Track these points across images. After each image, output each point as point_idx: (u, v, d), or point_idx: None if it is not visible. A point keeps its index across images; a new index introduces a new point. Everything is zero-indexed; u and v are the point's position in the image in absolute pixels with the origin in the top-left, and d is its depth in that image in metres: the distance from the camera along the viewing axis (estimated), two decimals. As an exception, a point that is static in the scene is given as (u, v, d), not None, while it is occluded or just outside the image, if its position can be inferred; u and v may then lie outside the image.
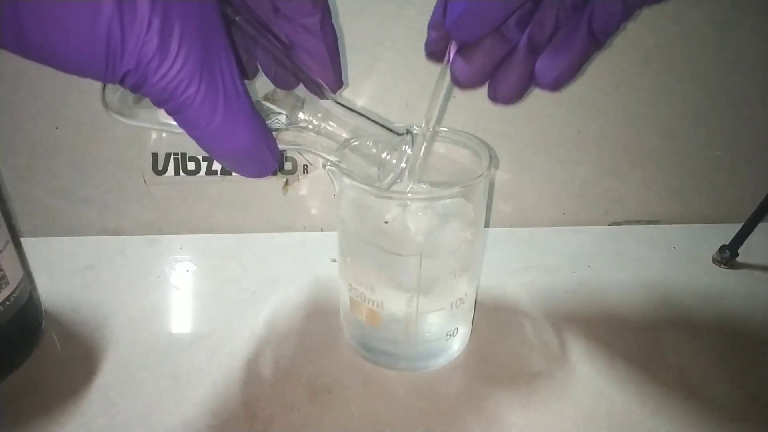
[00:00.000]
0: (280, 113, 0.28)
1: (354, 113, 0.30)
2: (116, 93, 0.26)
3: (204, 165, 0.48)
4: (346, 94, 0.46)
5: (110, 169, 0.48)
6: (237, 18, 0.26)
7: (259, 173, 0.26)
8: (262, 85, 0.29)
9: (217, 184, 0.49)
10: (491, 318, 0.40)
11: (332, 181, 0.33)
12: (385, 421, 0.32)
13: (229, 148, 0.23)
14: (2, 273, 0.33)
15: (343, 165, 0.31)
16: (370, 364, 0.36)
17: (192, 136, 0.23)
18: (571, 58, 0.26)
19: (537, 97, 0.48)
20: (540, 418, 0.33)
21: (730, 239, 0.47)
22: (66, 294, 0.42)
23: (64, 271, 0.44)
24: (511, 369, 0.36)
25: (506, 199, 0.52)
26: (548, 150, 0.50)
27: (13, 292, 0.34)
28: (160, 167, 0.48)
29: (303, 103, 0.29)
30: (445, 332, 0.35)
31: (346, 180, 0.31)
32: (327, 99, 0.29)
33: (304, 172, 0.49)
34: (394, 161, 0.31)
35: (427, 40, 0.29)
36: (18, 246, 0.39)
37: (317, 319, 0.40)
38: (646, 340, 0.39)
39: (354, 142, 0.30)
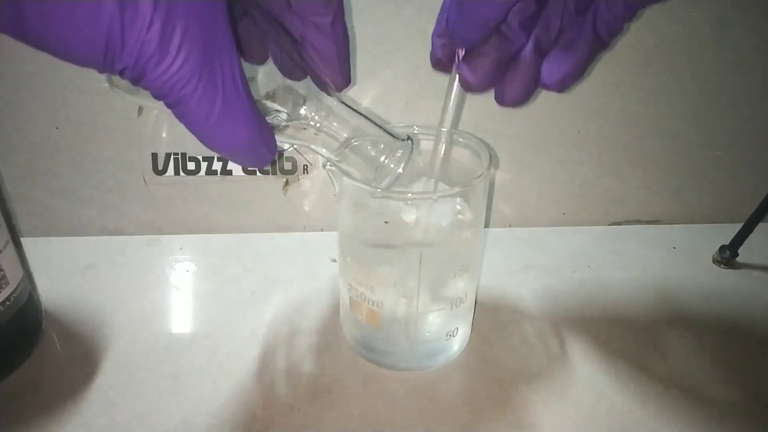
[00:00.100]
0: (280, 111, 0.28)
1: (357, 114, 0.30)
2: None
3: (204, 165, 0.48)
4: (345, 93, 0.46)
5: (110, 169, 0.48)
6: (249, 9, 0.26)
7: (255, 166, 0.26)
8: (265, 77, 0.30)
9: (217, 184, 0.49)
10: (491, 318, 0.40)
11: (332, 181, 0.33)
12: (385, 421, 0.32)
13: (225, 143, 0.24)
14: (2, 273, 0.33)
15: (342, 165, 0.31)
16: (370, 364, 0.36)
17: (189, 129, 0.23)
18: (577, 59, 0.27)
19: (537, 97, 0.48)
20: (540, 418, 0.33)
21: (730, 239, 0.47)
22: (66, 294, 0.42)
23: (64, 271, 0.44)
24: (511, 369, 0.36)
25: (506, 199, 0.52)
26: (548, 150, 0.50)
27: (13, 292, 0.34)
28: (160, 167, 0.48)
29: (305, 100, 0.29)
30: (445, 332, 0.35)
31: (346, 180, 0.31)
32: (331, 96, 0.29)
33: (304, 172, 0.49)
34: (392, 165, 0.31)
35: (432, 50, 0.30)
36: (18, 246, 0.39)
37: (317, 319, 0.40)
38: (646, 340, 0.39)
39: (354, 141, 0.30)
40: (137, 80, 0.21)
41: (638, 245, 0.50)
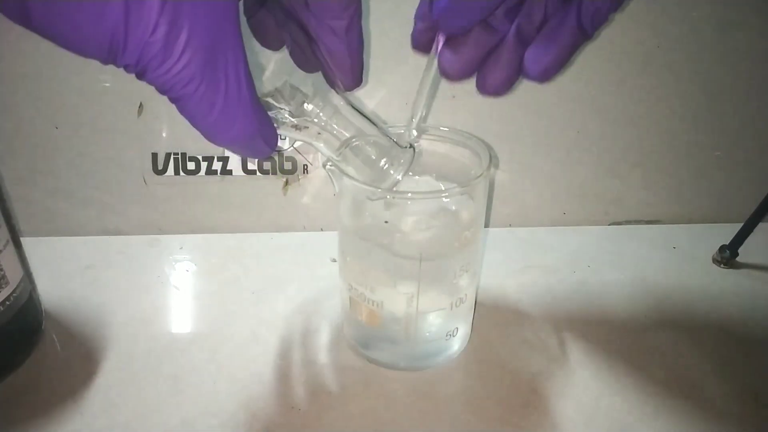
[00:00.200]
0: (283, 109, 0.29)
1: (361, 115, 0.30)
2: None
3: (204, 165, 0.48)
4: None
5: (110, 169, 0.48)
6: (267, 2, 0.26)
7: (253, 158, 0.26)
8: (277, 65, 0.30)
9: (217, 184, 0.49)
10: (491, 318, 0.40)
11: (332, 181, 0.33)
12: (385, 421, 0.32)
13: (225, 138, 0.24)
14: (2, 273, 0.33)
15: (343, 164, 0.31)
16: (370, 364, 0.36)
17: (190, 123, 0.23)
18: (560, 50, 0.26)
19: (537, 97, 0.48)
20: (540, 418, 0.33)
21: (730, 239, 0.47)
22: (66, 294, 0.42)
23: (64, 271, 0.44)
24: (511, 369, 0.36)
25: (506, 199, 0.52)
26: (548, 150, 0.50)
27: (13, 292, 0.34)
28: (160, 167, 0.48)
29: (311, 98, 0.29)
30: (445, 332, 0.35)
31: (346, 180, 0.31)
32: (338, 95, 0.29)
33: (304, 172, 0.49)
34: (392, 172, 0.31)
35: (413, 31, 0.29)
36: (18, 246, 0.39)
37: (317, 319, 0.40)
38: (646, 340, 0.39)
39: (355, 141, 0.30)
40: (140, 76, 0.21)
41: (638, 245, 0.50)
